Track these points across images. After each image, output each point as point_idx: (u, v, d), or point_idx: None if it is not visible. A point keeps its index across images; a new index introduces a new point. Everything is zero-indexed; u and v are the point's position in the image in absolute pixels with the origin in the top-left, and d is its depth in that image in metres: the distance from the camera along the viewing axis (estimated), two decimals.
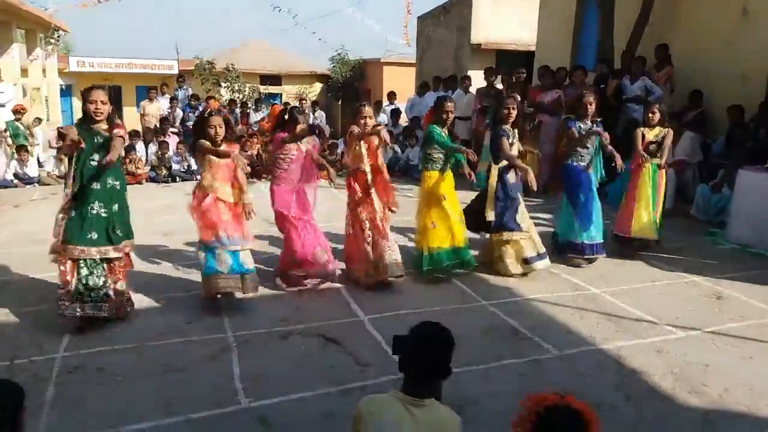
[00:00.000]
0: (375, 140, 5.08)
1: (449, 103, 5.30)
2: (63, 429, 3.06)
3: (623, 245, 6.07)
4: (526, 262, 5.36)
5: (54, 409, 3.21)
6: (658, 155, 5.96)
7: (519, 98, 5.64)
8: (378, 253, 5.00)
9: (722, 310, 4.68)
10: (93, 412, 3.18)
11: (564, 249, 5.81)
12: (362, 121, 5.05)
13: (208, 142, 4.39)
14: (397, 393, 2.10)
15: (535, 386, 3.50)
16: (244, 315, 4.48)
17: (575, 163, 5.70)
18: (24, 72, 15.82)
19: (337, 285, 5.08)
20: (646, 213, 5.95)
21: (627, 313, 4.62)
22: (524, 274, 5.37)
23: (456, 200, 5.39)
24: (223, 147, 4.42)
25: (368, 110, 5.12)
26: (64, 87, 20.75)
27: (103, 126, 4.12)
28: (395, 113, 12.72)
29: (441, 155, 5.28)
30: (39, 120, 12.16)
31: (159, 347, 3.92)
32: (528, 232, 5.37)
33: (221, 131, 4.41)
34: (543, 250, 5.41)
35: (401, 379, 2.12)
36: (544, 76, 9.73)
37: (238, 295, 4.55)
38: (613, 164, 5.68)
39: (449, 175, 5.39)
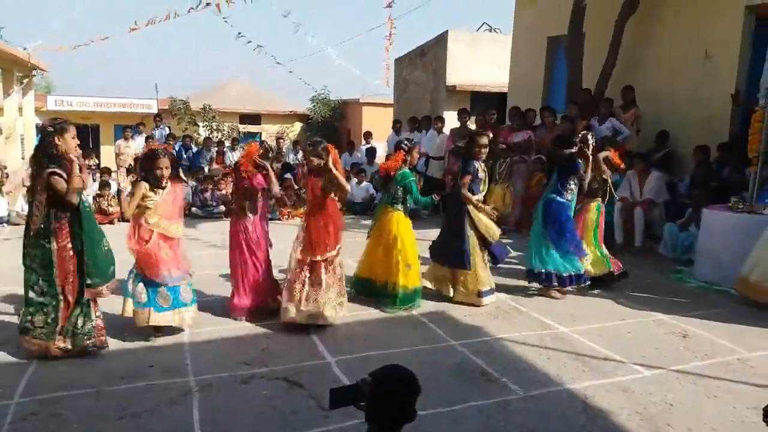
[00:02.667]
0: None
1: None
2: None
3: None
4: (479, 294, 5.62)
5: None
6: (599, 195, 6.17)
7: (491, 135, 5.83)
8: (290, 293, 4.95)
9: (688, 349, 4.71)
10: None
11: (541, 280, 5.92)
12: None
13: (146, 185, 4.51)
14: None
15: (502, 428, 3.48)
16: (207, 358, 4.40)
17: (563, 199, 5.85)
18: None
19: (306, 326, 5.00)
20: (591, 251, 6.13)
21: (594, 352, 4.63)
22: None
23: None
24: (168, 186, 4.57)
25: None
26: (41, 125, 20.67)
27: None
28: (371, 152, 12.83)
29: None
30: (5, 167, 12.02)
31: (118, 391, 3.82)
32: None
33: (167, 173, 4.57)
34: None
35: (365, 424, 2.09)
36: (515, 117, 9.95)
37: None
38: None
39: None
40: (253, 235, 5.23)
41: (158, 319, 4.58)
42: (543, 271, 5.85)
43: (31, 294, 4.23)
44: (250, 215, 5.24)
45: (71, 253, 4.18)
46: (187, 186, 10.29)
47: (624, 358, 4.48)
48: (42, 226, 4.12)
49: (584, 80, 10.08)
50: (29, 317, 4.23)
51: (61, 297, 4.20)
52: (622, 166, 6.66)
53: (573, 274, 5.85)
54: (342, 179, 5.00)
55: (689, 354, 4.60)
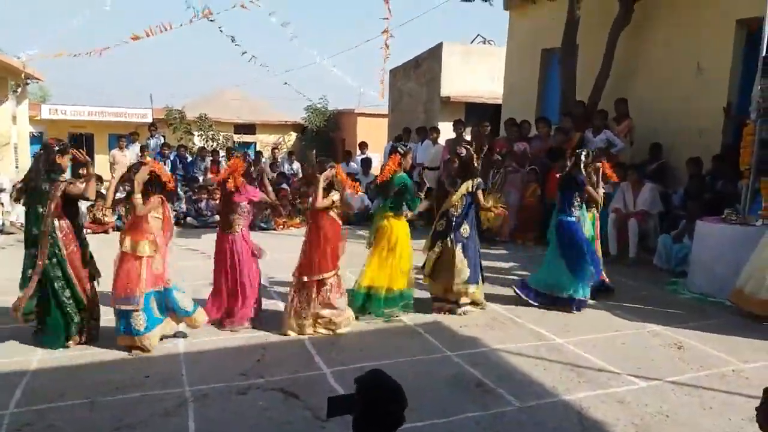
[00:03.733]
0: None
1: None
2: None
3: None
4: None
5: None
6: (593, 207, 6.24)
7: (468, 149, 5.86)
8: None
9: (683, 360, 4.73)
10: None
11: (551, 302, 5.93)
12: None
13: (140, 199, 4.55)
14: None
15: None
16: (203, 368, 4.39)
17: (571, 218, 5.90)
18: None
19: (302, 337, 5.05)
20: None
21: (590, 363, 4.64)
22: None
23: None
24: (152, 199, 4.61)
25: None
26: (35, 134, 20.59)
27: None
28: (366, 163, 12.86)
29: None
30: None
31: (113, 402, 3.80)
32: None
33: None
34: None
35: None
36: (510, 128, 10.01)
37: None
38: None
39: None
40: (239, 247, 5.27)
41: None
42: (555, 296, 5.93)
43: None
44: (237, 229, 5.27)
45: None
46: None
47: (619, 369, 4.49)
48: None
49: (578, 92, 10.16)
50: None
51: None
52: (615, 178, 6.71)
53: (579, 299, 5.89)
54: (344, 197, 5.16)
55: (684, 365, 4.62)
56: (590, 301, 6.07)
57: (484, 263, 6.08)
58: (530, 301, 5.97)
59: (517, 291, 6.09)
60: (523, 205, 9.37)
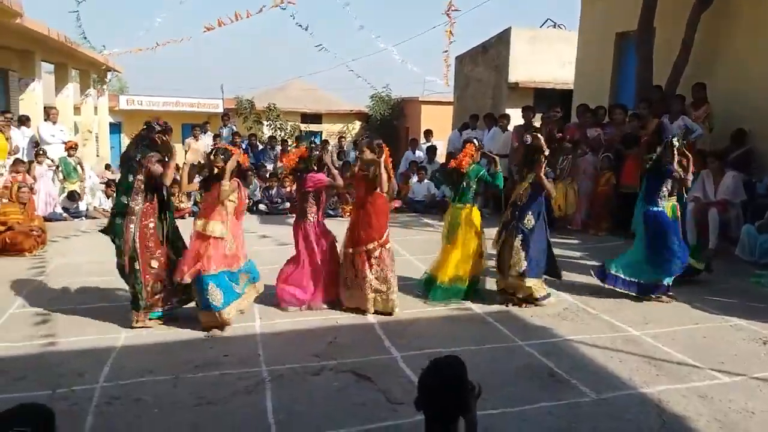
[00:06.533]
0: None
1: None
2: None
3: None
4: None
5: None
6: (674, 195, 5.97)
7: (536, 136, 5.74)
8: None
9: None
10: None
11: (640, 290, 5.79)
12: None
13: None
14: None
15: (572, 430, 3.42)
16: (278, 349, 4.52)
17: (658, 209, 5.74)
18: (76, 110, 16.60)
19: (371, 321, 5.12)
20: None
21: (668, 356, 4.48)
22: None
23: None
24: (231, 183, 4.77)
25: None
26: (114, 123, 21.59)
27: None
28: (431, 150, 12.82)
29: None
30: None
31: (195, 379, 3.97)
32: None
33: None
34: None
35: None
36: (584, 114, 9.74)
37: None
38: None
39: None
40: (313, 234, 5.42)
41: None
42: (633, 280, 5.80)
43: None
44: (310, 216, 5.39)
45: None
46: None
47: (700, 363, 4.33)
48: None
49: (654, 77, 9.75)
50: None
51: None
52: (693, 168, 6.32)
53: (663, 286, 5.78)
54: (384, 176, 5.17)
55: None
56: (669, 292, 5.86)
57: (555, 252, 5.94)
58: (616, 288, 5.80)
59: (600, 277, 5.92)
60: (596, 193, 9.11)
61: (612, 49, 11.52)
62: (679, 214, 6.02)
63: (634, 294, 5.77)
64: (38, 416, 2.01)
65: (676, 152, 5.68)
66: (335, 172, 5.60)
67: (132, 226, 4.75)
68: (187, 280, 4.69)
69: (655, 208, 5.75)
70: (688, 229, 7.55)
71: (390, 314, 5.25)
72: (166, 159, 4.83)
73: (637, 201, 6.05)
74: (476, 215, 5.73)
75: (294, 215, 5.80)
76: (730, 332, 5.02)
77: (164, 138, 4.93)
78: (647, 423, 3.52)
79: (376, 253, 5.23)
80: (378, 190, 5.24)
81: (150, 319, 4.88)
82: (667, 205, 5.81)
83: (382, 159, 5.19)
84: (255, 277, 5.02)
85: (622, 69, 11.45)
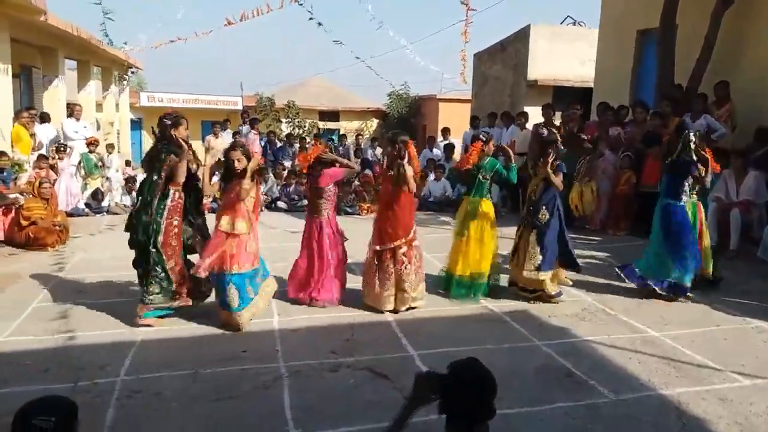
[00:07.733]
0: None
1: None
2: None
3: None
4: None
5: None
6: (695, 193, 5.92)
7: (551, 130, 5.76)
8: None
9: None
10: None
11: (670, 290, 5.75)
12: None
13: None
14: None
15: (589, 431, 3.41)
16: (296, 345, 4.55)
17: (680, 204, 5.69)
18: (98, 106, 16.80)
19: (389, 318, 5.13)
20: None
21: (689, 358, 4.44)
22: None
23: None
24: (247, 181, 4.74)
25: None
26: (135, 119, 21.82)
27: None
28: (449, 148, 12.79)
29: None
30: (112, 146, 12.87)
31: (214, 374, 4.01)
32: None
33: (240, 165, 4.74)
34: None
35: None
36: (605, 112, 9.65)
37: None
38: None
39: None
40: (326, 231, 5.43)
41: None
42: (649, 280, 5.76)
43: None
44: (324, 213, 5.40)
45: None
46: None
47: (721, 366, 4.27)
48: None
49: (676, 75, 9.63)
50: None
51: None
52: (717, 168, 6.24)
53: (683, 286, 5.70)
54: (409, 175, 5.13)
55: None
56: (689, 294, 5.79)
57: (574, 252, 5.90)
58: (648, 287, 5.76)
59: (626, 276, 5.88)
60: (616, 193, 9.02)
61: (633, 47, 11.39)
62: (701, 215, 5.93)
63: (663, 293, 5.71)
64: (61, 408, 2.04)
65: (693, 147, 5.61)
66: (344, 160, 5.67)
67: (160, 220, 4.78)
68: (203, 274, 4.69)
69: (676, 202, 5.70)
70: (710, 229, 7.44)
71: (412, 309, 5.28)
72: (174, 156, 4.81)
73: (660, 197, 5.98)
74: (489, 207, 5.68)
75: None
76: (751, 334, 4.95)
77: (172, 133, 4.89)
78: (666, 425, 3.49)
79: (402, 250, 5.22)
80: (404, 189, 5.20)
81: (150, 318, 4.87)
82: (687, 202, 5.74)
83: (405, 161, 5.15)
84: (265, 274, 5.04)
85: (642, 67, 11.31)
